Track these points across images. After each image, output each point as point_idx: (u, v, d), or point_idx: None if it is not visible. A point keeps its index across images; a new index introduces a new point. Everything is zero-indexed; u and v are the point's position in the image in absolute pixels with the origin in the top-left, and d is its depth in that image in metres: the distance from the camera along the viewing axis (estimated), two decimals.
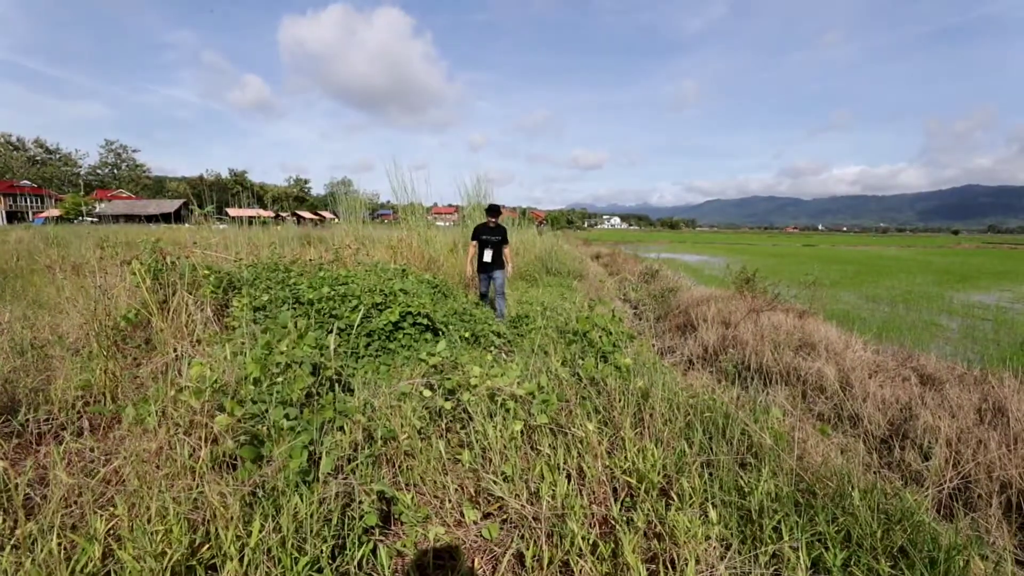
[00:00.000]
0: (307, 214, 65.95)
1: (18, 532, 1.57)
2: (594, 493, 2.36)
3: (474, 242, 7.14)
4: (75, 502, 1.95)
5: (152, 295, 4.73)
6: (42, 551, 1.50)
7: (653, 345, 6.81)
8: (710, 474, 2.37)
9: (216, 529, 1.63)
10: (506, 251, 7.17)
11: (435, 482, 2.44)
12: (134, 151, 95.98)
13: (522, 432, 2.66)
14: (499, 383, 2.71)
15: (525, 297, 7.77)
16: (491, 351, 4.82)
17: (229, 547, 1.56)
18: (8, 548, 1.38)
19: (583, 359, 3.30)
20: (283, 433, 2.12)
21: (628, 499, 2.32)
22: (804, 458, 2.53)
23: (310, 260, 7.60)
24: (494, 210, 7.22)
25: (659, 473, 2.37)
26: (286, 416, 2.30)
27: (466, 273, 7.35)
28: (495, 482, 2.36)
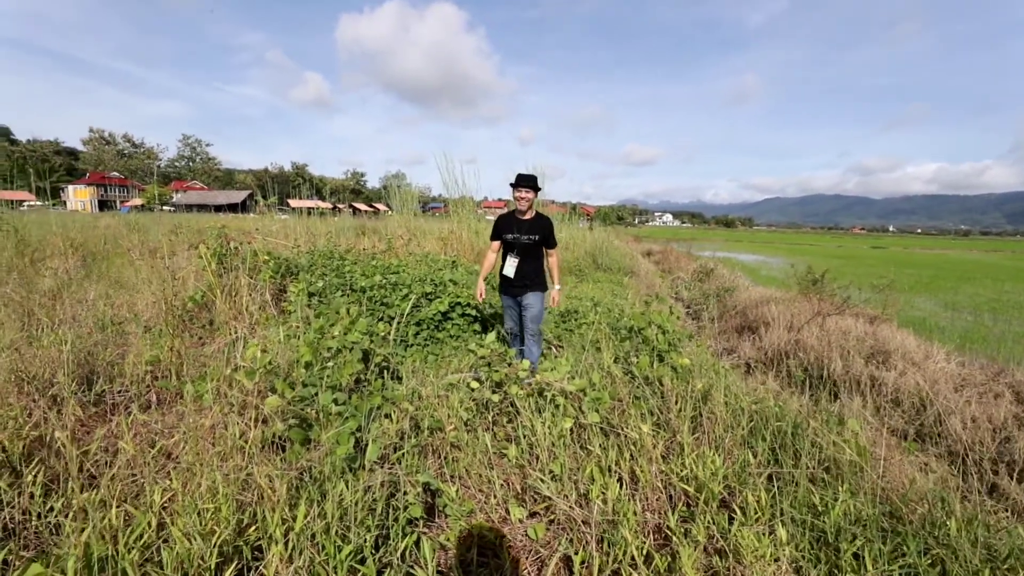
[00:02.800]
0: (362, 206, 68.09)
1: (82, 498, 1.63)
2: (648, 500, 2.22)
3: (495, 243, 4.18)
4: (139, 472, 2.02)
5: (216, 278, 4.95)
6: (103, 519, 1.54)
7: (709, 346, 6.50)
8: (778, 488, 2.17)
9: (263, 512, 1.62)
10: (551, 259, 4.21)
11: (480, 476, 2.37)
12: (207, 145, 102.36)
13: (572, 430, 2.55)
14: (549, 378, 2.61)
15: (575, 292, 7.59)
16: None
17: (275, 530, 1.55)
18: (71, 514, 1.42)
19: (637, 357, 3.14)
20: (331, 418, 2.11)
21: (685, 509, 2.16)
22: (885, 477, 2.28)
23: (364, 249, 7.76)
24: (521, 178, 3.97)
25: (720, 483, 2.19)
26: (335, 400, 2.30)
27: (477, 293, 4.29)
28: (542, 480, 2.27)
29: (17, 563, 1.48)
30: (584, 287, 8.15)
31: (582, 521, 2.04)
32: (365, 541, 1.69)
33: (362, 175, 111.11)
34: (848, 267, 19.09)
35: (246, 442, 1.93)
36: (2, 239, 6.96)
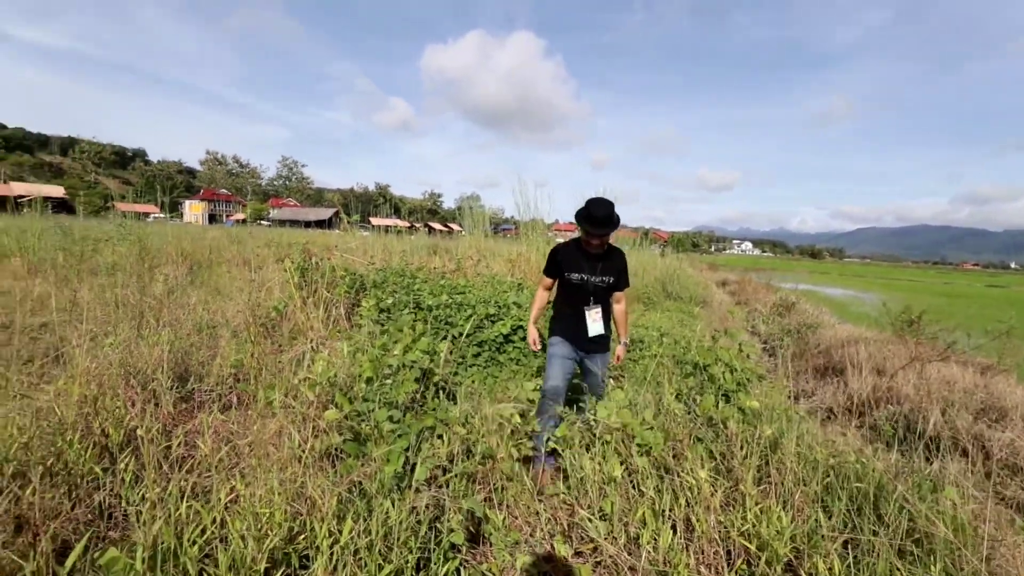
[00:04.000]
0: (437, 225, 70.79)
1: (154, 493, 1.79)
2: (704, 552, 2.07)
3: (548, 280, 3.24)
4: (211, 469, 2.19)
5: (298, 291, 5.32)
6: (175, 511, 1.68)
7: (786, 387, 6.03)
8: (854, 558, 1.94)
9: (312, 522, 1.70)
10: (618, 305, 3.21)
11: (528, 507, 2.34)
12: (302, 166, 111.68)
13: (625, 466, 2.45)
14: (601, 415, 2.54)
15: (641, 321, 7.37)
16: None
17: (322, 542, 1.61)
18: (148, 504, 1.57)
19: (701, 395, 2.97)
20: (385, 435, 2.17)
21: (745, 567, 1.99)
22: (993, 559, 1.97)
23: (434, 268, 8.03)
24: (599, 220, 2.83)
25: (786, 544, 2.00)
26: (390, 418, 2.37)
27: (530, 340, 3.37)
28: (590, 520, 2.19)
29: (104, 543, 1.64)
30: (651, 316, 7.89)
31: (629, 568, 1.94)
32: (407, 562, 1.71)
33: (439, 196, 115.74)
34: (957, 307, 17.04)
35: (304, 452, 2.04)
36: (128, 248, 7.92)
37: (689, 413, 2.93)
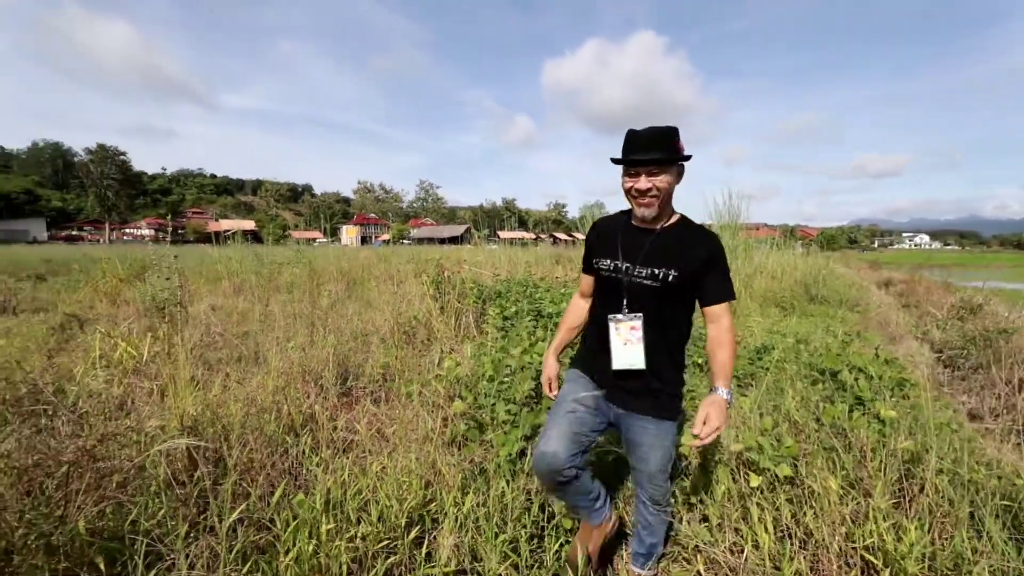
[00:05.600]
0: (562, 235, 71.62)
1: (322, 460, 2.27)
2: (820, 561, 1.99)
3: (587, 278, 1.99)
4: (365, 449, 2.67)
5: (433, 302, 5.98)
6: (341, 475, 2.14)
7: (963, 403, 5.13)
8: None
9: (441, 492, 2.03)
10: (716, 326, 1.73)
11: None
12: (437, 187, 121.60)
13: (733, 468, 2.42)
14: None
15: (777, 327, 6.82)
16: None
17: (449, 509, 1.94)
18: (322, 468, 2.03)
19: (830, 403, 2.78)
20: (502, 425, 2.46)
21: None
22: None
23: (556, 278, 8.33)
24: (643, 140, 1.64)
25: (920, 563, 1.85)
26: (507, 411, 2.67)
27: (544, 378, 2.04)
28: (688, 523, 2.23)
29: (293, 490, 2.15)
30: (789, 322, 7.26)
31: (730, 568, 1.96)
32: (520, 535, 1.96)
33: (563, 206, 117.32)
34: None
35: (435, 435, 2.41)
36: (301, 269, 9.51)
37: (818, 422, 2.77)
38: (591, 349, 1.89)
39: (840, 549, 2.04)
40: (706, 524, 2.24)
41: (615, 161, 1.70)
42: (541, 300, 6.19)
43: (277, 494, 1.89)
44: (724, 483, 2.37)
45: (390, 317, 5.59)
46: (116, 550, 1.62)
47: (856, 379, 2.78)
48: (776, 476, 2.25)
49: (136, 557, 1.53)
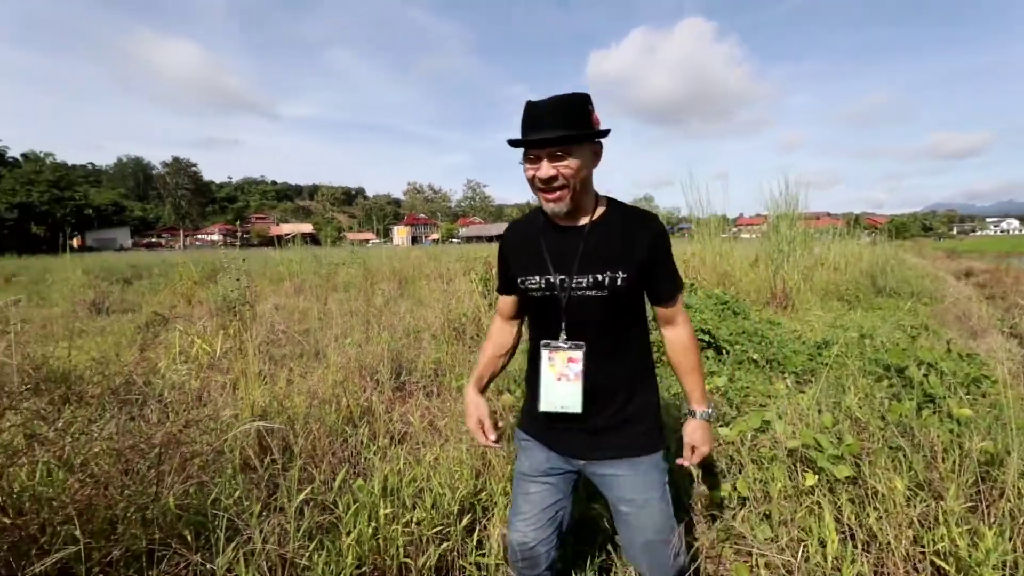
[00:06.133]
0: None
1: (379, 448, 2.39)
2: (884, 564, 1.91)
3: (505, 300, 1.59)
4: (419, 440, 2.79)
5: (482, 298, 6.10)
6: (397, 463, 2.26)
7: None
8: None
9: (491, 481, 2.11)
10: (668, 330, 1.48)
11: (690, 505, 2.41)
12: (483, 186, 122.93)
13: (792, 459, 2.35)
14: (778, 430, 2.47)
15: (839, 321, 6.46)
16: (785, 379, 4.28)
17: (498, 497, 2.01)
18: (379, 456, 2.15)
19: (896, 400, 2.63)
20: None
21: None
22: None
23: None
24: (541, 112, 1.29)
25: (998, 571, 1.73)
26: None
27: (474, 426, 1.59)
28: (743, 520, 2.18)
29: (352, 477, 2.29)
30: (852, 315, 6.86)
31: (787, 571, 1.91)
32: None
33: None
34: None
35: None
36: (356, 269, 9.91)
37: (883, 420, 2.63)
38: (534, 394, 1.47)
39: (907, 553, 1.94)
40: (767, 521, 2.19)
41: (512, 144, 1.33)
42: None
43: (339, 479, 2.03)
44: (780, 480, 2.31)
45: (440, 314, 5.74)
46: (200, 524, 1.79)
47: (926, 375, 2.62)
48: (834, 476, 2.17)
49: (218, 531, 1.69)
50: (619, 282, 1.34)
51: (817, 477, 2.19)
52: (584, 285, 1.36)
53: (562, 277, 1.38)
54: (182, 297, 8.11)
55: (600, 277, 1.35)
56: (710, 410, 1.48)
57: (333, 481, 2.06)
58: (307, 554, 1.73)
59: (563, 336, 1.38)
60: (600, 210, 1.42)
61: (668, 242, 1.42)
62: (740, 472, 2.41)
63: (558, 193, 1.32)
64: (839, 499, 2.17)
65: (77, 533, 1.52)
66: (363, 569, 1.80)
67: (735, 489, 2.27)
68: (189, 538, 1.71)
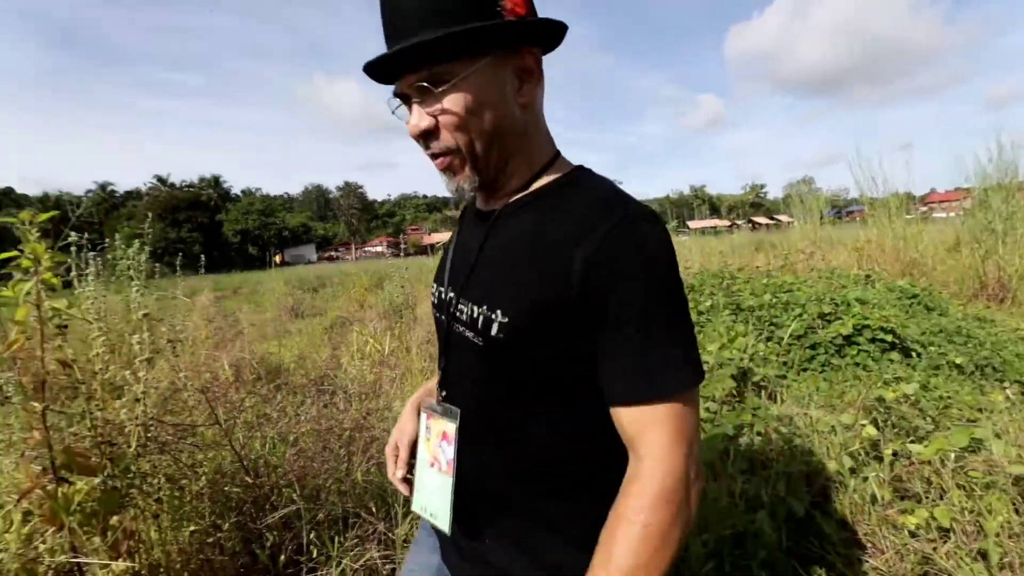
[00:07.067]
0: (762, 219, 63.94)
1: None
2: None
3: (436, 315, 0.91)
4: None
5: None
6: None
7: None
8: None
9: None
10: (642, 461, 0.64)
11: (872, 531, 2.11)
12: (619, 183, 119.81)
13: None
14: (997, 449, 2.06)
15: None
16: (1005, 389, 3.49)
17: None
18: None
19: None
20: (702, 424, 2.39)
21: None
22: None
23: (757, 267, 7.56)
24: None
25: None
26: (706, 409, 2.57)
27: (390, 451, 1.00)
28: (920, 531, 1.84)
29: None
30: None
31: None
32: (720, 537, 1.90)
33: (761, 187, 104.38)
34: None
35: None
36: None
37: None
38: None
39: None
40: (983, 562, 1.83)
41: (367, 71, 0.75)
42: (740, 292, 5.71)
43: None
44: (1002, 514, 1.90)
45: None
46: (382, 498, 2.08)
47: None
48: None
49: (397, 506, 1.96)
50: (493, 329, 0.73)
51: None
52: (464, 318, 0.79)
53: (451, 295, 0.84)
54: (356, 302, 9.36)
55: (475, 312, 0.76)
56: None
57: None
58: None
59: (441, 393, 0.86)
60: (542, 182, 0.80)
61: (654, 269, 0.68)
62: (941, 498, 2.05)
63: (444, 159, 0.75)
64: None
65: (295, 496, 1.88)
66: None
67: (934, 517, 1.93)
68: (374, 509, 2.01)
